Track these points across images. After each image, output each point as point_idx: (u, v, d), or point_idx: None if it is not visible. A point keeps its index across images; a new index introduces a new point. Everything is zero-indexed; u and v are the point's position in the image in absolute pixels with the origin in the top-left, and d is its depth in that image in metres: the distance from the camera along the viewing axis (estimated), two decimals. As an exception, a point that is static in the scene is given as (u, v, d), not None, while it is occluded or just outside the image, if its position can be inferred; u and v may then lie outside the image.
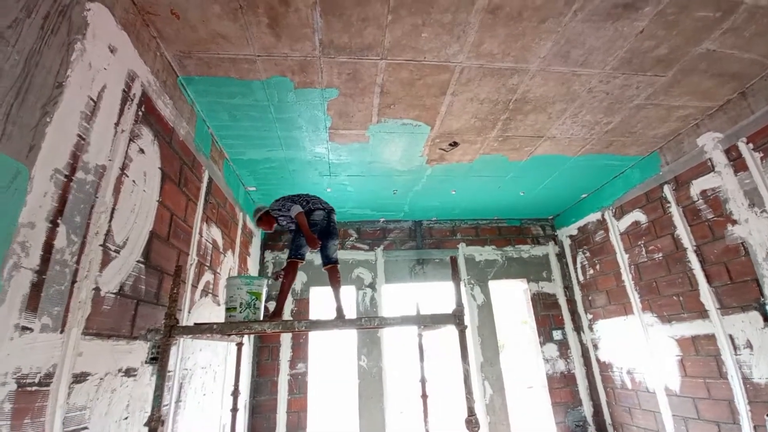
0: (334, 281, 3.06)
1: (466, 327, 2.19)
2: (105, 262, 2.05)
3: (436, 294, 6.08)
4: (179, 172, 2.91)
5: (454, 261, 2.37)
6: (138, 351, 2.31)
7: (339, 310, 2.95)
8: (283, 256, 5.51)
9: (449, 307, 2.44)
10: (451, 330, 2.47)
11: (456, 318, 2.22)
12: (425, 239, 5.95)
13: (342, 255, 5.69)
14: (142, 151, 2.38)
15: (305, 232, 2.90)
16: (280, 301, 2.84)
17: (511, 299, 7.99)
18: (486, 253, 5.89)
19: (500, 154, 4.15)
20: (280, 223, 3.15)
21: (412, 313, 3.32)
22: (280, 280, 3.19)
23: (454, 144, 3.94)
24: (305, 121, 3.42)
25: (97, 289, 1.98)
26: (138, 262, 2.33)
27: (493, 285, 5.80)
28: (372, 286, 5.58)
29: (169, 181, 2.73)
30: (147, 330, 2.40)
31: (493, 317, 5.54)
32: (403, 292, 5.95)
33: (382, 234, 5.93)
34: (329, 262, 3.09)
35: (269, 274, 5.42)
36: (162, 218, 2.63)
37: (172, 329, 2.10)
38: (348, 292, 5.60)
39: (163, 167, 2.66)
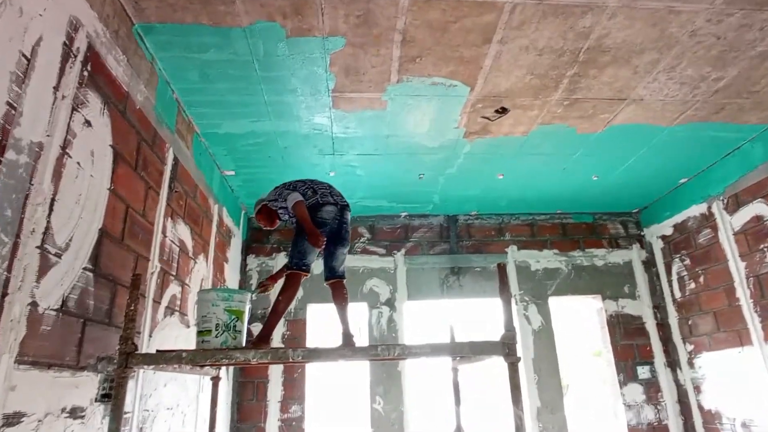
0: (340, 298, 3.09)
1: (518, 359, 2.19)
2: (44, 269, 2.11)
3: (476, 314, 6.10)
4: (136, 150, 2.98)
5: (502, 269, 2.37)
6: (86, 385, 2.39)
7: (346, 335, 2.98)
8: (272, 262, 5.69)
9: (493, 333, 2.44)
10: (497, 363, 2.48)
11: (505, 347, 2.22)
12: (461, 240, 5.99)
13: (350, 261, 5.78)
14: (88, 123, 2.44)
15: (304, 222, 2.94)
16: (270, 322, 2.89)
17: (579, 323, 7.94)
18: (545, 259, 5.90)
19: (565, 123, 4.11)
20: (282, 217, 3.21)
21: (445, 340, 3.33)
22: (268, 293, 3.24)
23: (503, 110, 3.91)
24: (300, 81, 3.45)
25: (33, 305, 2.04)
26: (85, 269, 2.40)
27: (555, 303, 5.81)
28: (390, 303, 5.67)
29: (123, 163, 2.80)
30: (97, 358, 2.48)
31: (555, 347, 5.53)
32: (431, 312, 6.01)
33: (403, 233, 6.01)
34: (334, 275, 3.13)
35: (253, 287, 5.53)
36: (115, 212, 2.70)
37: (129, 357, 2.16)
38: (358, 311, 5.70)
39: (116, 145, 2.72)
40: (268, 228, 3.37)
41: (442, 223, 6.06)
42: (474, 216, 6.11)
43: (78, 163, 2.35)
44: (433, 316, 6.07)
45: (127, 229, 2.85)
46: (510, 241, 6.00)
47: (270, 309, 2.92)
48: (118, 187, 2.73)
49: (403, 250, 5.90)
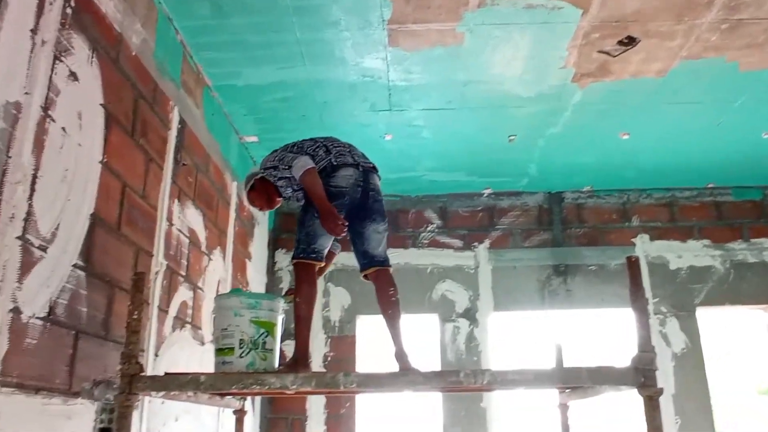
0: (386, 298, 3.13)
1: (660, 391, 2.14)
2: (26, 266, 2.23)
3: (589, 330, 6.03)
4: (133, 111, 3.11)
5: (634, 265, 2.32)
6: (81, 416, 2.54)
7: (400, 355, 3.01)
8: None
9: (616, 355, 2.39)
10: (624, 396, 2.43)
11: (640, 375, 2.17)
12: (569, 227, 5.98)
13: (414, 257, 5.87)
14: (73, 76, 2.56)
15: (316, 199, 2.98)
16: (301, 336, 2.96)
17: (742, 344, 7.66)
18: (690, 253, 5.81)
19: (722, 57, 3.99)
20: (284, 193, 3.27)
21: (549, 365, 3.29)
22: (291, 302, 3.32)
23: (629, 41, 3.81)
24: (345, 10, 3.49)
25: (16, 311, 2.18)
26: (75, 267, 2.53)
27: (705, 315, 5.72)
28: (470, 314, 5.74)
29: (117, 128, 2.93)
30: (93, 382, 2.62)
31: (705, 378, 5.43)
32: (526, 328, 6.05)
33: (487, 218, 6.06)
34: (371, 263, 3.16)
35: (283, 292, 5.70)
36: (109, 192, 2.84)
37: (134, 381, 2.27)
38: (425, 324, 5.80)
39: (108, 104, 2.85)
40: (266, 210, 3.44)
41: (541, 204, 6.03)
42: (587, 193, 6.04)
43: (63, 128, 2.47)
44: (528, 334, 6.05)
45: (125, 215, 2.98)
46: (639, 227, 5.91)
47: (294, 318, 2.97)
48: (112, 159, 2.86)
49: (486, 242, 5.91)
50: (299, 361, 2.89)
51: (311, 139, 3.27)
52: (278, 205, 3.42)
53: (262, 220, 5.63)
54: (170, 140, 3.55)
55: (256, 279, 5.36)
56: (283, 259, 5.87)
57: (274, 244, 5.92)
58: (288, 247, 5.91)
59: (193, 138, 3.92)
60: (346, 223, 2.96)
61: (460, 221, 5.99)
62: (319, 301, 5.58)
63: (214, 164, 4.34)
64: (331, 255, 3.34)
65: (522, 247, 5.90)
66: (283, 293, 3.55)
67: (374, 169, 3.22)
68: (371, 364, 5.85)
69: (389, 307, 3.10)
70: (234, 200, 4.76)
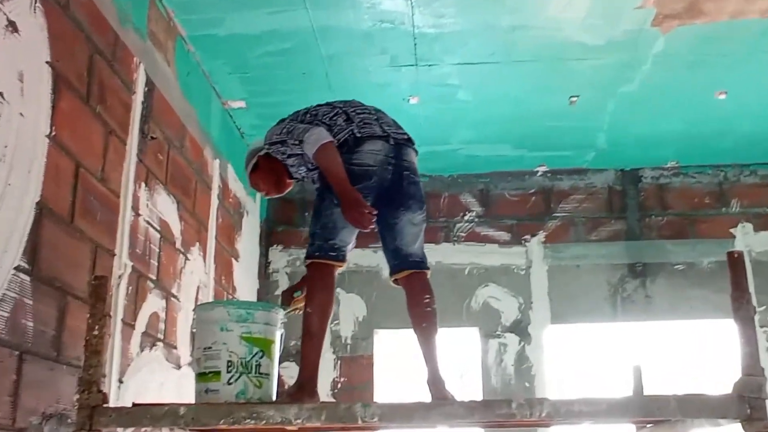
0: (421, 311, 3.13)
1: (773, 427, 2.12)
2: (-45, 269, 2.30)
3: (675, 347, 5.97)
4: (87, 70, 3.12)
5: (736, 264, 2.30)
6: (26, 459, 2.59)
7: (435, 380, 3.02)
8: None
9: (711, 379, 2.38)
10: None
11: (746, 405, 2.15)
12: (648, 215, 5.97)
13: (448, 254, 5.85)
14: (12, 27, 2.57)
15: (334, 180, 2.98)
16: (309, 356, 2.99)
17: None
18: None
19: None
20: (296, 174, 3.29)
21: (625, 393, 3.28)
22: (297, 311, 3.34)
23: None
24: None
25: (-57, 328, 2.23)
26: (18, 270, 2.55)
27: None
28: (520, 328, 5.75)
29: (67, 93, 2.94)
30: (43, 416, 2.65)
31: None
32: (593, 343, 6.03)
33: (541, 203, 6.07)
34: (404, 264, 3.17)
35: (279, 301, 5.73)
36: (59, 174, 2.86)
37: (95, 414, 2.27)
38: (462, 340, 5.81)
39: (56, 61, 2.85)
40: (273, 195, 3.45)
41: (611, 185, 6.02)
42: (671, 170, 6.03)
43: (0, 93, 2.50)
44: (596, 353, 6.03)
45: (79, 203, 3.00)
46: (739, 214, 5.90)
47: (302, 333, 2.99)
48: (62, 132, 2.87)
49: (541, 235, 5.90)
50: (305, 389, 2.91)
51: (327, 105, 3.27)
52: (289, 189, 3.45)
53: (252, 208, 5.65)
54: (135, 107, 3.55)
55: (246, 284, 5.39)
56: (280, 258, 5.88)
57: (267, 240, 5.94)
58: (286, 242, 5.92)
59: (164, 104, 3.92)
60: (374, 212, 2.96)
61: (506, 208, 5.97)
62: (326, 311, 5.60)
63: (191, 138, 4.35)
64: None
65: (587, 241, 5.87)
66: (280, 300, 3.55)
67: (409, 142, 3.22)
68: (393, 392, 5.86)
69: (424, 318, 3.10)
70: (216, 183, 4.78)
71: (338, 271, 3.07)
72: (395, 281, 3.20)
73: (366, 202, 2.95)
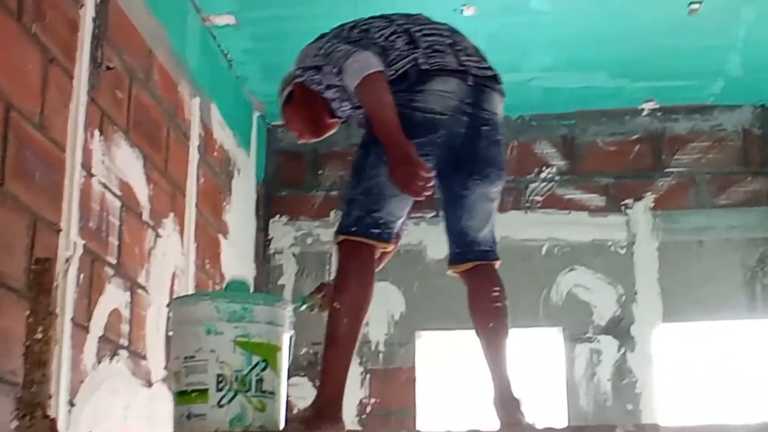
0: (487, 307, 3.15)
1: None
2: None
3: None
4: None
5: None
6: None
7: (506, 400, 3.04)
8: (323, 232, 5.91)
9: None
10: None
11: None
12: None
13: (515, 228, 5.80)
14: None
15: (381, 130, 2.95)
16: (332, 369, 2.96)
17: None
18: None
19: None
20: (339, 111, 3.28)
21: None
22: (315, 309, 3.41)
23: None
24: None
25: None
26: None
27: None
28: (619, 328, 5.76)
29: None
30: (-32, 451, 2.67)
31: None
32: (722, 348, 5.97)
33: (648, 155, 6.07)
34: (470, 253, 3.19)
35: (301, 298, 5.75)
36: (-19, 120, 2.87)
37: (40, 450, 2.30)
38: (539, 344, 5.83)
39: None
40: (309, 139, 3.48)
41: (746, 127, 6.02)
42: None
43: None
44: (727, 361, 5.97)
45: (11, 160, 2.98)
46: None
47: (325, 338, 2.97)
48: (-17, 60, 2.87)
49: (648, 198, 5.90)
50: (325, 413, 2.89)
51: (384, 18, 3.23)
52: (332, 132, 3.47)
53: (246, 165, 5.67)
54: (84, 26, 3.54)
55: (238, 269, 5.41)
56: (284, 233, 5.91)
57: (267, 209, 5.99)
58: (292, 212, 5.94)
59: (124, 21, 3.91)
60: (432, 174, 2.91)
61: (599, 161, 5.98)
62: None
63: (161, 67, 4.34)
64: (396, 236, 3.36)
65: (713, 207, 5.88)
66: (301, 301, 3.53)
67: (494, 81, 3.18)
68: (441, 416, 5.88)
69: (491, 317, 3.11)
70: (196, 130, 4.80)
71: (378, 254, 3.04)
72: (456, 271, 3.20)
73: (422, 160, 2.88)
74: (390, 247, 3.08)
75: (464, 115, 3.06)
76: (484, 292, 3.13)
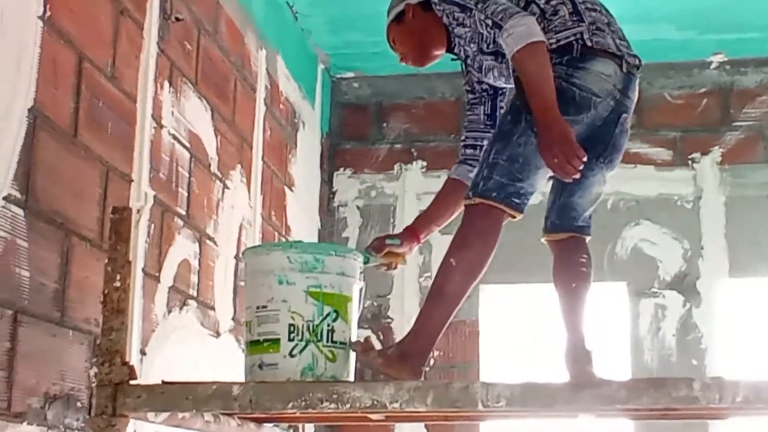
0: (573, 271, 3.28)
1: None
2: None
3: None
4: None
5: None
6: (28, 455, 2.65)
7: (579, 355, 3.10)
8: (393, 186, 5.99)
9: None
10: None
11: None
12: None
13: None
14: None
15: (539, 105, 2.92)
16: (431, 324, 3.00)
17: None
18: None
19: None
20: (458, 48, 3.26)
21: None
22: (386, 267, 3.46)
23: None
24: None
25: None
26: (8, 200, 2.58)
27: None
28: (685, 283, 5.73)
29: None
30: (46, 397, 2.71)
31: None
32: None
33: (716, 108, 6.01)
34: (567, 226, 3.29)
35: (350, 244, 5.78)
36: (57, 70, 2.88)
37: (119, 395, 2.32)
38: (602, 299, 5.64)
39: None
40: (411, 64, 3.47)
41: None
42: None
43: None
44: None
45: (84, 111, 3.02)
46: None
47: (431, 290, 3.01)
48: (59, 13, 2.87)
49: (716, 152, 5.84)
50: (409, 360, 2.89)
51: None
52: (435, 61, 3.44)
53: (311, 117, 5.66)
54: (154, -20, 3.57)
55: (304, 222, 5.47)
56: (349, 186, 5.93)
57: (331, 162, 6.01)
58: (356, 165, 5.95)
59: (193, -26, 3.94)
60: (585, 158, 2.90)
61: (666, 115, 5.91)
62: (413, 259, 5.58)
63: (228, 19, 4.35)
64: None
65: (786, 161, 5.76)
66: (370, 246, 3.55)
67: (638, 70, 3.20)
68: (502, 368, 5.91)
69: (576, 278, 3.24)
70: (263, 83, 4.81)
71: (504, 222, 3.03)
72: (549, 240, 3.30)
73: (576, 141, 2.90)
74: (520, 217, 3.05)
75: (612, 101, 3.08)
76: (572, 258, 3.25)
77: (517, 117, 3.01)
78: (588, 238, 3.30)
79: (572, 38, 3.02)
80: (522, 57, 2.91)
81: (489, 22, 3.01)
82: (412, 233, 3.51)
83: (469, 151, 3.45)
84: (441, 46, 3.32)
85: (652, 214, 5.75)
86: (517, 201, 2.97)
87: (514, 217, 3.00)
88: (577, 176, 2.92)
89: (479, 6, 3.06)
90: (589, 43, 3.02)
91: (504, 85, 3.32)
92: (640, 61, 3.19)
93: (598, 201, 3.33)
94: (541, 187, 3.10)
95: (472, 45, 3.17)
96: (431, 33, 3.28)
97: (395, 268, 3.52)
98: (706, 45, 5.80)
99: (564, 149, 2.82)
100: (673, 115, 5.90)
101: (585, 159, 2.87)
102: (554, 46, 2.99)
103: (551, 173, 3.00)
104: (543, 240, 3.30)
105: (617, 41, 3.12)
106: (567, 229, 3.24)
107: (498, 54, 3.11)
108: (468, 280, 2.97)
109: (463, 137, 3.51)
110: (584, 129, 3.05)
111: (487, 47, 3.09)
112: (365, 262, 3.30)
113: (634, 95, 3.19)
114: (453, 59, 3.37)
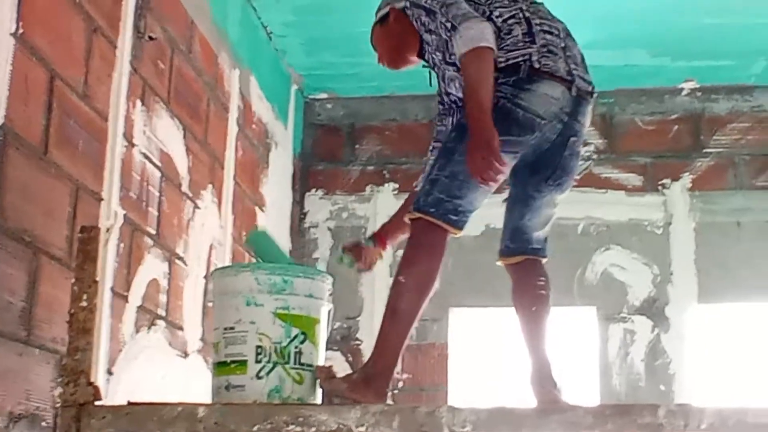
0: (532, 294, 3.26)
1: None
2: None
3: None
4: (64, -56, 3.11)
5: None
6: (-10, 476, 2.63)
7: (543, 378, 3.10)
8: (364, 208, 5.98)
9: None
10: None
11: None
12: None
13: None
14: None
15: (472, 107, 2.95)
16: (389, 345, 2.97)
17: None
18: None
19: None
20: (427, 55, 3.29)
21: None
22: (353, 266, 3.49)
23: None
24: None
25: None
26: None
27: None
28: (654, 308, 5.75)
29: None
30: (10, 417, 2.68)
31: None
32: (757, 329, 5.95)
33: (687, 135, 6.03)
34: (522, 249, 3.28)
35: (338, 258, 5.76)
36: (29, 87, 2.86)
37: (84, 415, 2.29)
38: (571, 323, 5.80)
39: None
40: (387, 66, 3.51)
41: None
42: None
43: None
44: (764, 342, 5.94)
45: (55, 128, 3.01)
46: None
47: (386, 309, 2.99)
48: (31, 29, 2.87)
49: (686, 178, 5.88)
50: (373, 384, 2.89)
51: None
52: (411, 67, 3.49)
53: (283, 138, 5.68)
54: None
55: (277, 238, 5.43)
56: (320, 207, 5.94)
57: (303, 182, 6.01)
58: (328, 186, 5.96)
59: (165, -7, 3.94)
60: (504, 169, 2.92)
61: (637, 140, 5.95)
62: (384, 281, 5.58)
63: (202, 38, 4.36)
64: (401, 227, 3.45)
65: (752, 188, 5.83)
66: (340, 254, 3.59)
67: (591, 96, 3.21)
68: (471, 395, 5.89)
69: (535, 301, 3.21)
70: (235, 102, 4.82)
71: (448, 239, 3.05)
72: (506, 264, 3.31)
73: (504, 158, 2.89)
74: (459, 234, 3.08)
75: (560, 123, 3.10)
76: (530, 282, 3.23)
77: (461, 135, 3.00)
78: (544, 260, 3.28)
79: (520, 59, 3.03)
80: (467, 60, 2.96)
81: (448, 24, 3.04)
82: (378, 239, 3.58)
83: None
84: (412, 52, 3.37)
85: (622, 239, 5.77)
86: (454, 218, 2.99)
87: (455, 232, 3.03)
88: (495, 185, 2.94)
89: (443, 10, 3.09)
90: (536, 65, 3.03)
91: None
92: (593, 88, 3.20)
93: (550, 223, 3.32)
94: (480, 205, 3.08)
95: (437, 53, 3.21)
96: (407, 38, 3.32)
97: (371, 268, 3.62)
98: (677, 72, 5.84)
99: (485, 154, 2.82)
100: (644, 141, 5.94)
101: (504, 170, 2.90)
102: (502, 65, 3.01)
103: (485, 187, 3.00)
104: (499, 264, 3.32)
105: (571, 66, 3.12)
106: (522, 251, 3.25)
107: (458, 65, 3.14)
108: (418, 295, 2.95)
109: (431, 147, 3.53)
110: (531, 151, 3.08)
111: (449, 56, 3.12)
112: (340, 258, 3.37)
113: (585, 119, 3.20)
114: (425, 66, 3.39)
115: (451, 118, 3.41)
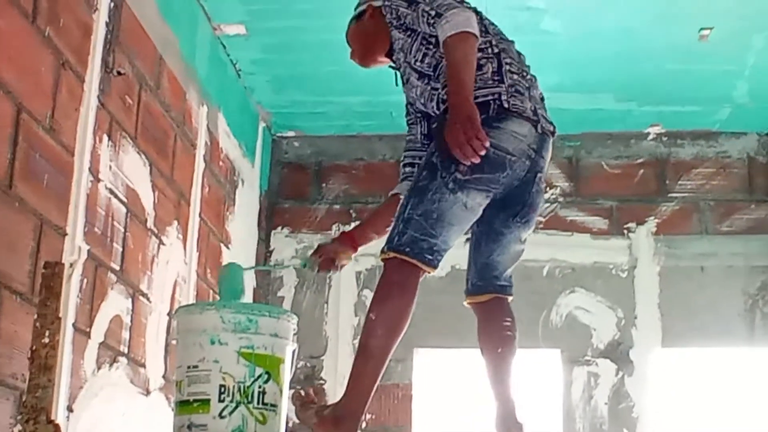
0: (498, 335, 3.26)
1: None
2: None
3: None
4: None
5: None
6: None
7: (508, 422, 3.11)
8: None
9: None
10: None
11: None
12: None
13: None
14: None
15: (455, 86, 2.97)
16: (361, 384, 2.96)
17: None
18: None
19: None
20: (396, 54, 3.32)
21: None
22: (315, 269, 3.56)
23: None
24: None
25: None
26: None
27: None
28: (618, 352, 5.74)
29: (7, 8, 2.91)
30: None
31: None
32: (720, 374, 5.93)
33: (654, 179, 6.08)
34: (489, 287, 3.30)
35: (302, 262, 5.78)
36: (-7, 120, 2.87)
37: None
38: (537, 366, 5.80)
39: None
40: (358, 62, 3.55)
41: (751, 154, 6.00)
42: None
43: None
44: (727, 387, 5.94)
45: (20, 162, 2.99)
46: None
47: (358, 348, 3.00)
48: (-2, 62, 2.88)
49: (651, 222, 5.91)
50: (343, 423, 2.90)
51: (481, 19, 3.26)
52: (380, 66, 3.53)
53: (250, 176, 5.67)
54: (97, 30, 3.55)
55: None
56: (285, 245, 5.92)
57: (269, 220, 6.01)
58: (294, 224, 5.96)
59: (136, 27, 3.92)
60: (487, 144, 2.89)
61: (603, 184, 5.98)
62: (348, 320, 5.57)
63: (170, 75, 4.35)
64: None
65: (716, 233, 5.86)
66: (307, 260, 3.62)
67: (553, 134, 3.26)
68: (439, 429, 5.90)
69: (501, 343, 3.22)
70: (203, 139, 4.81)
71: (422, 277, 3.06)
72: (471, 303, 3.32)
73: (475, 188, 2.97)
74: (433, 272, 3.08)
75: (528, 160, 3.12)
76: (496, 321, 3.23)
77: (433, 173, 3.02)
78: (510, 299, 3.28)
79: (490, 98, 3.06)
80: (453, 42, 2.98)
81: (432, 12, 3.07)
82: (349, 240, 3.58)
83: (408, 169, 3.49)
84: (382, 51, 3.41)
85: (587, 282, 5.79)
86: (429, 257, 2.98)
87: (429, 270, 3.02)
88: (476, 160, 2.89)
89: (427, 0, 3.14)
90: (506, 105, 3.05)
91: (431, 112, 3.32)
92: (554, 128, 3.24)
93: (518, 260, 3.33)
94: (454, 244, 3.08)
95: (400, 54, 3.26)
96: (380, 36, 3.36)
97: (340, 269, 3.65)
98: (644, 116, 5.89)
99: (466, 129, 2.83)
100: (609, 185, 5.97)
101: (486, 144, 2.87)
102: (474, 101, 3.00)
103: (466, 231, 3.09)
104: (465, 304, 3.32)
105: (535, 105, 3.17)
106: (490, 289, 3.25)
107: (424, 75, 3.19)
108: (390, 334, 2.95)
109: (402, 156, 3.56)
110: (503, 189, 3.09)
111: (415, 61, 3.18)
112: (303, 265, 3.45)
113: (548, 155, 3.24)
114: (391, 67, 3.43)
115: (418, 127, 3.44)
